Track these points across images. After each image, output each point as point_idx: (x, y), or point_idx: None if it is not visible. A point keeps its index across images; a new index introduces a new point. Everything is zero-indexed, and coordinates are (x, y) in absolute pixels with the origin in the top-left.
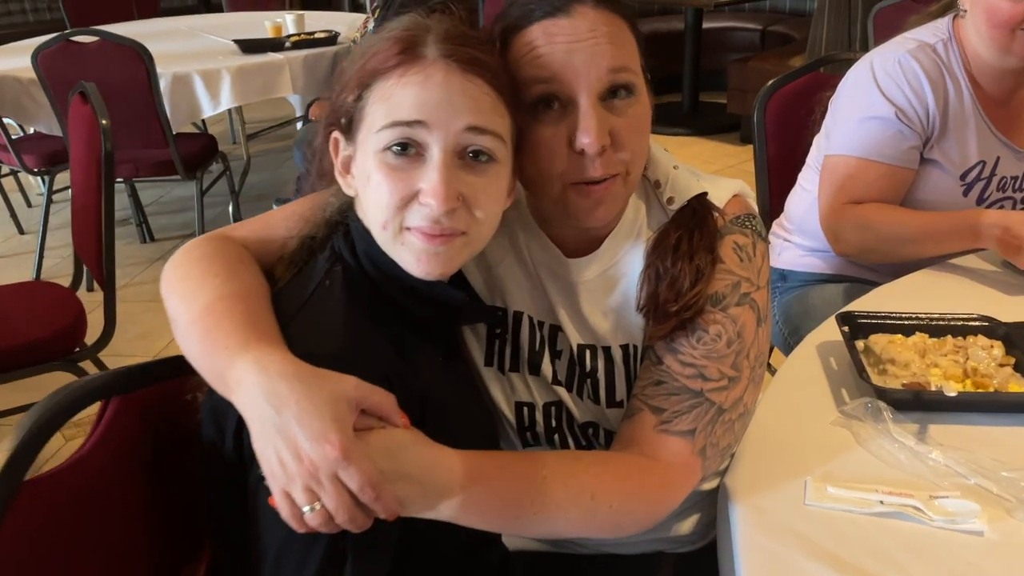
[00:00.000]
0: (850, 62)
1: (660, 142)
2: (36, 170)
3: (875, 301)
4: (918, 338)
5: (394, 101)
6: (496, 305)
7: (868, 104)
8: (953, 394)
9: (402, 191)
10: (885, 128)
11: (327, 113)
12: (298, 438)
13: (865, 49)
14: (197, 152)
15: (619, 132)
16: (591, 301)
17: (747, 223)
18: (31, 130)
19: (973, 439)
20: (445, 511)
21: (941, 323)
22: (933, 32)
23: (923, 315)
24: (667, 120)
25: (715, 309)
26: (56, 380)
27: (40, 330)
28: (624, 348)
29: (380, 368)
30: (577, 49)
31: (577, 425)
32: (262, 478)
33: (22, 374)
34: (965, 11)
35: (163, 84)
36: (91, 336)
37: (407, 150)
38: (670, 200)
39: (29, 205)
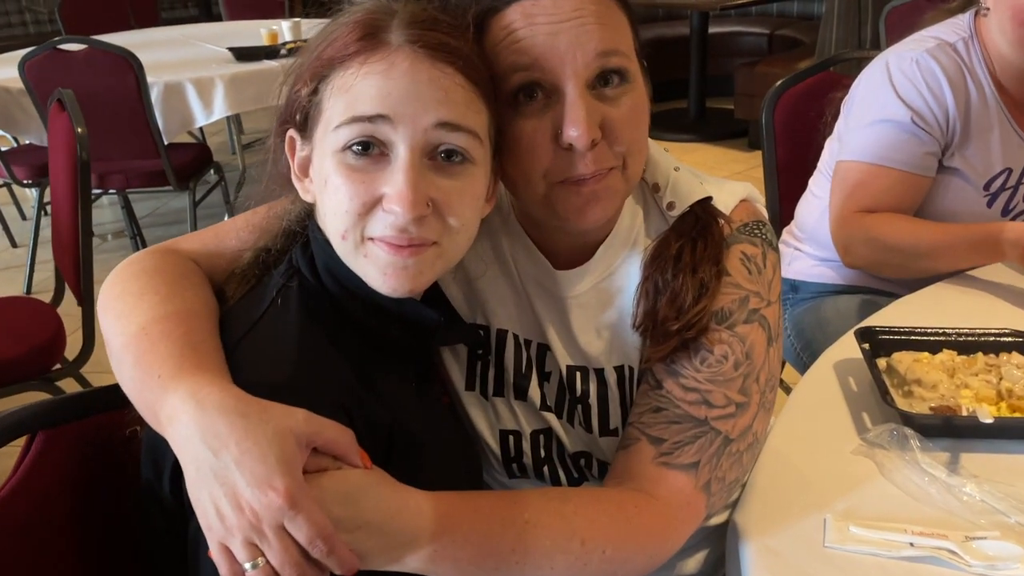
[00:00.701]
0: (861, 61)
1: (667, 148)
2: (26, 182)
3: (894, 315)
4: (946, 356)
5: (354, 93)
6: (477, 323)
7: (881, 106)
8: (989, 420)
9: (364, 196)
10: (899, 132)
11: (280, 108)
12: (238, 484)
13: (877, 51)
14: (190, 162)
15: (612, 123)
16: (583, 318)
17: (756, 231)
18: (26, 141)
19: (1011, 470)
20: (412, 563)
21: (971, 339)
22: (953, 29)
23: (950, 330)
24: (673, 126)
25: (721, 327)
26: (31, 399)
27: (15, 347)
28: (619, 370)
29: (337, 398)
30: (561, 31)
31: (568, 455)
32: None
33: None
34: (988, 9)
35: (155, 93)
36: (73, 353)
37: (369, 150)
38: (670, 205)
39: (24, 218)
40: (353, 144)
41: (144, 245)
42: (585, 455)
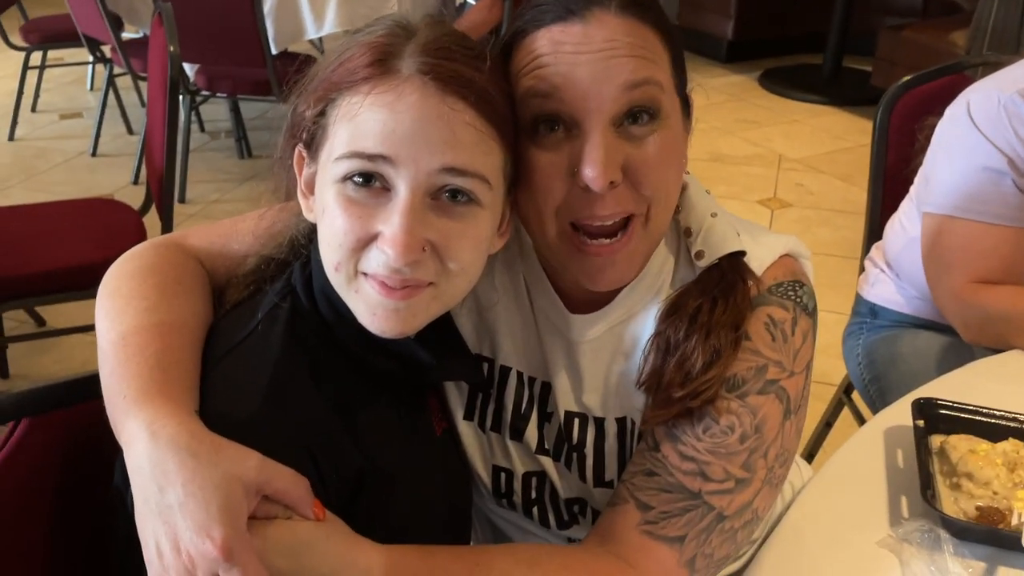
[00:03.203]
0: (1000, 67)
1: (792, 108)
2: (143, 75)
3: (970, 378)
4: (1009, 445)
5: (357, 124)
6: (483, 354)
7: (970, 151)
8: None
9: (359, 231)
10: (995, 180)
11: (288, 123)
12: (178, 526)
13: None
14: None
15: (636, 165)
16: (592, 365)
17: (790, 293)
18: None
19: None
20: None
21: None
22: None
23: (1022, 416)
24: (802, 84)
25: (731, 396)
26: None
27: (94, 253)
28: (620, 422)
29: (302, 439)
30: (586, 62)
31: (561, 500)
32: None
33: (66, 297)
34: None
35: (269, 1)
36: None
37: (371, 182)
38: (699, 254)
39: (143, 104)
40: (354, 175)
41: (248, 148)
42: (579, 501)
